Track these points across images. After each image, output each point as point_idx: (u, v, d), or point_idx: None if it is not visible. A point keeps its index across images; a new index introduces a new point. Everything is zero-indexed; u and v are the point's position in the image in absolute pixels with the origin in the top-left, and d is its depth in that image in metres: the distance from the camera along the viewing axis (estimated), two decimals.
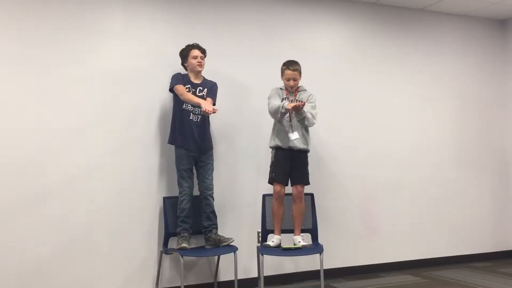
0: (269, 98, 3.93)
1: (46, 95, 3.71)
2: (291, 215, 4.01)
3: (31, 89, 3.67)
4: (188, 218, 3.81)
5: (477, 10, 5.25)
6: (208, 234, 3.88)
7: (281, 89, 3.97)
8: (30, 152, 3.63)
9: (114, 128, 3.90)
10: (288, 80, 3.90)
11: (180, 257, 3.60)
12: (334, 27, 4.83)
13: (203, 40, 4.03)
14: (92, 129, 3.83)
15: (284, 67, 3.94)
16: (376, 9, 4.99)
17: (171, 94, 3.95)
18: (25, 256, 3.56)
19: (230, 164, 4.28)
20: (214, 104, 3.90)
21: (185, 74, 3.92)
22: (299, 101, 3.87)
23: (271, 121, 3.97)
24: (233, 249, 3.76)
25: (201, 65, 3.89)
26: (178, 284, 3.86)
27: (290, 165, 3.89)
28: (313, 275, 4.30)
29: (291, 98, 3.93)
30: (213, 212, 3.91)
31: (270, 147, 3.97)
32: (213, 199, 3.92)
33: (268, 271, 4.19)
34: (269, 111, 3.89)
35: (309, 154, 4.00)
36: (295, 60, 3.97)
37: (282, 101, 3.87)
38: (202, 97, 3.86)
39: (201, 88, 3.89)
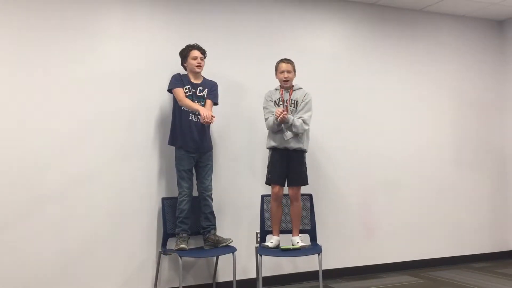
0: (263, 108, 3.96)
1: (45, 96, 3.71)
2: (289, 216, 4.02)
3: (30, 89, 3.68)
4: (187, 219, 3.81)
5: (476, 11, 5.26)
6: (207, 235, 3.88)
7: (276, 89, 3.97)
8: (29, 152, 3.63)
9: (113, 128, 3.90)
10: (282, 72, 3.91)
11: (179, 257, 3.60)
12: (333, 28, 4.84)
13: (202, 40, 4.03)
14: (91, 129, 3.83)
15: (278, 62, 3.99)
16: (375, 9, 5.00)
17: (170, 95, 3.96)
18: (24, 257, 3.56)
19: (229, 165, 4.28)
20: (216, 104, 3.90)
21: (184, 74, 3.93)
22: (292, 101, 3.87)
23: None
24: (232, 249, 3.76)
25: (200, 66, 3.89)
26: (177, 285, 3.86)
27: (286, 165, 3.90)
28: (311, 275, 4.30)
29: (285, 97, 3.93)
30: (212, 213, 3.91)
31: (267, 148, 3.98)
32: (212, 200, 3.92)
33: (266, 272, 4.19)
34: (267, 127, 3.93)
35: (307, 155, 4.00)
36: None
37: (274, 104, 3.90)
38: (202, 97, 3.86)
39: (201, 88, 3.89)
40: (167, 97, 4.02)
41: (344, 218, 4.66)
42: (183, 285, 3.92)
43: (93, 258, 3.76)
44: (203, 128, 3.87)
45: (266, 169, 4.00)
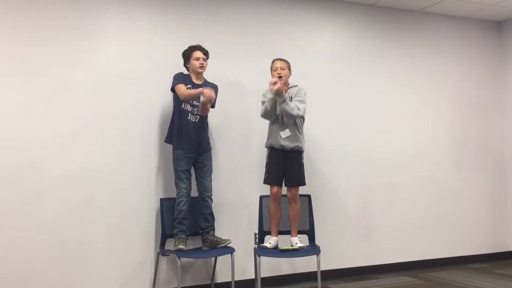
0: (261, 102, 3.96)
1: (45, 96, 3.71)
2: (287, 216, 4.02)
3: (30, 89, 3.67)
4: (185, 220, 3.80)
5: (474, 11, 5.26)
6: (205, 236, 3.88)
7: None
8: (28, 152, 3.63)
9: (112, 129, 3.90)
10: (275, 69, 3.91)
11: (177, 258, 3.60)
12: (331, 29, 4.83)
13: (202, 40, 4.02)
14: (90, 130, 3.83)
15: (273, 60, 3.99)
16: (374, 10, 5.00)
17: (169, 96, 3.96)
18: (22, 257, 3.56)
19: (227, 165, 4.27)
20: (213, 107, 3.90)
21: (187, 74, 3.93)
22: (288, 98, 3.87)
23: (268, 121, 3.98)
24: (230, 250, 3.76)
25: (203, 66, 3.89)
26: (175, 286, 3.86)
27: (283, 165, 3.90)
28: (310, 276, 4.30)
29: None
30: (211, 214, 3.91)
31: (266, 147, 3.98)
32: (212, 201, 3.92)
33: (265, 273, 4.20)
34: (261, 114, 3.92)
35: (305, 155, 3.99)
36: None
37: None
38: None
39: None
40: (167, 97, 4.02)
41: (342, 219, 4.66)
42: (182, 286, 3.92)
43: (91, 258, 3.76)
44: (201, 129, 3.87)
45: (264, 169, 4.00)
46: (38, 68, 3.71)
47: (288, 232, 4.01)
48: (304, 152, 3.99)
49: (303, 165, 3.95)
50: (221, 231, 4.07)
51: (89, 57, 3.87)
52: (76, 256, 3.71)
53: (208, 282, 4.13)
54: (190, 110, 3.82)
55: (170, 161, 3.91)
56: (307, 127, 4.09)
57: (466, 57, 5.41)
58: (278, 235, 3.95)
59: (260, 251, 3.79)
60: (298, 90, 3.94)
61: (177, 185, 3.82)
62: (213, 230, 3.91)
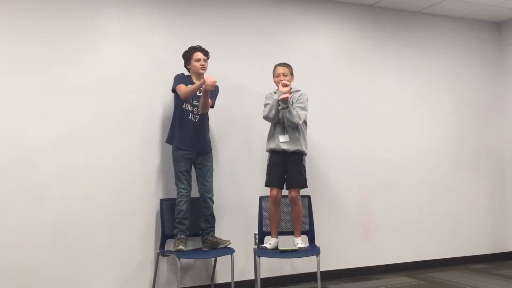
0: (264, 105, 3.95)
1: (45, 96, 3.70)
2: (288, 218, 4.02)
3: (30, 90, 3.66)
4: (185, 220, 3.80)
5: (474, 12, 5.26)
6: (205, 236, 3.88)
7: (275, 92, 3.97)
8: (28, 152, 3.62)
9: (112, 129, 3.89)
10: (278, 75, 3.91)
11: (177, 259, 3.59)
12: (331, 29, 4.83)
13: (201, 41, 4.02)
14: (89, 130, 3.82)
15: (275, 66, 3.99)
16: (373, 11, 5.00)
17: (169, 96, 3.96)
18: (22, 257, 3.55)
19: (228, 166, 4.27)
20: (212, 107, 3.89)
21: (188, 75, 3.92)
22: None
23: (268, 123, 3.97)
24: (230, 251, 3.76)
25: (204, 67, 3.88)
26: (175, 286, 3.86)
27: (284, 168, 3.90)
28: (310, 277, 4.30)
29: None
30: (212, 215, 3.90)
31: (267, 151, 3.98)
32: (213, 202, 3.91)
33: (265, 273, 4.19)
34: (264, 116, 3.91)
35: (306, 157, 3.99)
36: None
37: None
38: None
39: (202, 89, 3.88)
40: (167, 97, 4.02)
41: (342, 220, 4.66)
42: (181, 286, 3.92)
43: (91, 259, 3.75)
44: (201, 129, 3.86)
45: (264, 171, 4.01)
46: (38, 68, 3.70)
47: (289, 233, 4.01)
48: (306, 155, 3.98)
49: (304, 167, 3.94)
50: (221, 231, 4.07)
51: (89, 57, 3.87)
52: (76, 257, 3.70)
53: (208, 282, 4.12)
54: (190, 110, 3.82)
55: (170, 161, 3.90)
56: None
57: (466, 57, 5.41)
58: (279, 236, 3.94)
59: (260, 251, 3.79)
60: (300, 96, 3.93)
61: (176, 185, 3.81)
62: (213, 231, 3.91)
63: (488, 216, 5.36)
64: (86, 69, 3.85)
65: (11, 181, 3.56)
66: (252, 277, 4.10)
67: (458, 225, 5.19)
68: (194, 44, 3.95)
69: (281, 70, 3.92)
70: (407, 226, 4.93)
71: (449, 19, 5.36)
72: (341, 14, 4.86)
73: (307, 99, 3.94)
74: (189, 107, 3.82)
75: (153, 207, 3.98)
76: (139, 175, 3.96)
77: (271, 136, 3.94)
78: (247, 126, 4.36)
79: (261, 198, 4.12)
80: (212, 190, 3.91)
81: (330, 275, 4.48)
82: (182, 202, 3.78)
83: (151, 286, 3.91)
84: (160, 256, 3.87)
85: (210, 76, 3.60)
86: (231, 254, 3.73)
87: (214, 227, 3.92)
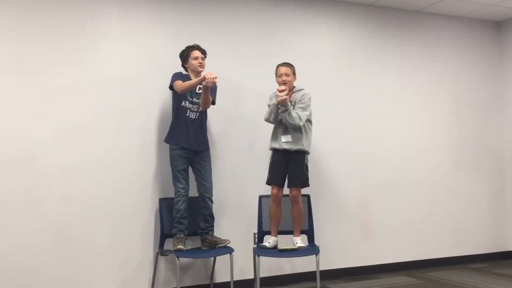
0: (268, 106, 3.95)
1: (45, 96, 3.71)
2: (288, 217, 4.03)
3: (29, 89, 3.67)
4: (184, 219, 3.80)
5: (474, 11, 5.26)
6: (205, 236, 3.88)
7: (276, 95, 3.97)
8: (27, 152, 3.63)
9: (111, 129, 3.90)
10: (280, 76, 3.91)
11: (176, 258, 3.60)
12: (331, 29, 4.83)
13: (201, 41, 4.02)
14: (89, 130, 3.83)
15: (277, 66, 3.98)
16: (373, 10, 5.00)
17: (168, 95, 3.96)
18: (21, 257, 3.56)
19: (228, 165, 4.27)
20: (214, 103, 3.89)
21: (186, 74, 3.92)
22: (292, 103, 3.87)
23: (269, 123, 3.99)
24: (229, 250, 3.76)
25: (202, 65, 3.88)
26: (174, 286, 3.86)
27: (286, 167, 3.90)
28: (309, 276, 4.30)
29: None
30: (211, 215, 3.91)
31: (270, 149, 3.99)
32: (212, 202, 3.91)
33: (264, 273, 4.20)
34: (265, 119, 3.93)
35: (308, 156, 3.98)
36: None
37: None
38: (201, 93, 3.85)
39: (200, 86, 3.88)
40: (166, 97, 4.02)
41: (342, 219, 4.67)
42: (180, 285, 3.92)
43: (90, 258, 3.76)
44: (199, 126, 3.86)
45: (264, 170, 4.01)
46: (38, 68, 3.71)
47: (288, 232, 4.01)
48: (309, 155, 3.98)
49: (306, 166, 3.94)
50: (221, 231, 4.08)
51: (89, 57, 3.87)
52: (75, 256, 3.71)
53: (207, 282, 4.13)
54: (189, 107, 3.82)
55: (169, 161, 3.91)
56: None
57: (466, 57, 5.40)
58: (278, 235, 3.95)
59: (259, 251, 3.79)
60: (302, 96, 3.92)
61: (174, 185, 3.82)
62: (212, 230, 3.91)
63: (488, 216, 5.36)
64: (86, 69, 3.86)
65: (11, 181, 3.57)
66: (251, 276, 4.10)
67: (458, 224, 5.18)
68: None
69: (283, 70, 3.92)
70: (407, 226, 4.93)
71: (449, 18, 5.36)
72: (341, 13, 4.86)
73: (309, 98, 3.93)
74: (187, 104, 3.82)
75: (152, 207, 3.99)
76: (139, 174, 3.96)
77: (274, 135, 3.95)
78: (247, 126, 4.37)
79: (260, 197, 4.12)
80: (212, 190, 3.91)
81: (330, 275, 4.49)
82: (181, 201, 3.78)
83: (151, 286, 3.92)
84: (159, 256, 3.88)
85: (210, 72, 3.58)
86: (230, 253, 3.74)
87: (213, 226, 3.92)
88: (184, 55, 3.92)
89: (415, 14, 5.19)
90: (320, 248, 3.80)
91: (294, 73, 3.96)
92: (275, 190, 3.90)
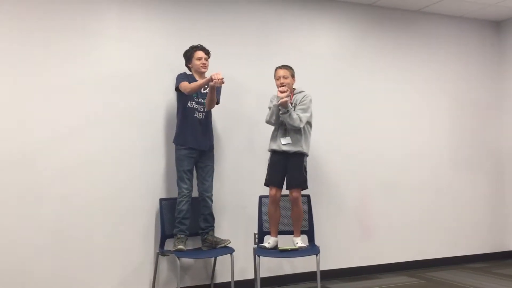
0: (269, 108, 3.95)
1: (45, 96, 3.71)
2: (288, 217, 4.03)
3: (30, 90, 3.67)
4: (186, 220, 3.80)
5: (473, 11, 5.26)
6: (205, 236, 3.88)
7: (277, 97, 3.96)
8: (27, 152, 3.63)
9: (111, 128, 3.90)
10: (278, 78, 3.91)
11: (177, 258, 3.60)
12: (330, 29, 4.84)
13: (201, 41, 4.02)
14: (89, 130, 3.83)
15: (276, 68, 3.98)
16: (373, 10, 5.00)
17: (170, 95, 3.97)
18: (21, 257, 3.55)
19: (229, 166, 4.27)
20: (218, 103, 3.90)
21: (190, 74, 3.93)
22: (293, 105, 3.87)
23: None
24: (230, 250, 3.77)
25: (205, 66, 3.89)
26: (175, 286, 3.86)
27: (284, 168, 3.90)
28: (309, 276, 4.30)
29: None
30: (211, 214, 3.91)
31: (268, 151, 3.99)
32: (212, 202, 3.92)
33: (264, 273, 4.19)
34: (266, 121, 3.93)
35: (307, 158, 3.98)
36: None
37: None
38: (206, 94, 3.85)
39: (205, 86, 3.88)
40: (168, 97, 4.02)
41: (342, 219, 4.67)
42: (181, 286, 3.92)
43: (90, 258, 3.76)
44: (207, 126, 3.88)
45: (264, 170, 4.01)
46: (37, 68, 3.71)
47: (288, 233, 4.01)
48: (308, 157, 3.98)
49: (305, 168, 3.94)
50: (221, 231, 4.08)
51: (88, 57, 3.87)
52: (75, 256, 3.71)
53: (208, 282, 4.13)
54: (196, 107, 3.82)
55: (170, 161, 3.91)
56: None
57: (465, 57, 5.41)
58: (278, 236, 3.95)
59: (259, 251, 3.79)
60: (303, 97, 3.92)
61: (178, 185, 3.82)
62: (213, 230, 3.91)
63: (487, 216, 5.36)
64: (86, 69, 3.86)
65: (11, 181, 3.57)
66: (251, 276, 4.10)
67: (457, 224, 5.19)
68: (195, 44, 3.95)
69: (281, 72, 3.92)
70: (407, 226, 4.93)
71: (449, 18, 5.36)
72: (341, 13, 4.86)
73: (310, 100, 3.93)
74: (194, 104, 3.82)
75: (153, 207, 3.99)
76: (139, 174, 3.96)
77: (274, 137, 3.95)
78: (248, 126, 4.37)
79: (260, 198, 4.12)
80: (212, 190, 3.91)
81: (330, 275, 4.49)
82: (183, 202, 3.79)
83: (151, 286, 3.92)
84: (159, 256, 3.88)
85: (217, 73, 3.59)
86: (231, 253, 3.74)
87: (214, 226, 3.93)
88: (188, 55, 3.93)
89: (415, 14, 5.19)
90: (320, 248, 3.80)
91: (292, 76, 3.96)
92: (273, 192, 3.90)
